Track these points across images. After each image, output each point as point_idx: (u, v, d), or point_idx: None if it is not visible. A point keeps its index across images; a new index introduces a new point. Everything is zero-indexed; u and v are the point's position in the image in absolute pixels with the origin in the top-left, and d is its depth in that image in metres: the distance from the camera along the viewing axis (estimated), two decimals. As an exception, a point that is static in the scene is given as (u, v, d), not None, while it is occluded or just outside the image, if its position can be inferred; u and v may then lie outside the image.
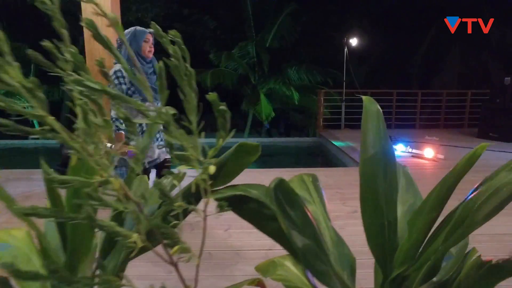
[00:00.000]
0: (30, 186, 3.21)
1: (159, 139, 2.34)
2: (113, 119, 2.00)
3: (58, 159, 3.38)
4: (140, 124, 1.92)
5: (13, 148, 7.14)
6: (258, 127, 11.10)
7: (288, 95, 8.52)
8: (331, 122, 6.54)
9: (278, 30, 8.98)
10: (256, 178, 2.51)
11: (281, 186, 0.48)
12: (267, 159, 6.10)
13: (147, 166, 2.19)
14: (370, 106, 0.61)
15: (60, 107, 9.45)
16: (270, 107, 8.71)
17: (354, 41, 6.44)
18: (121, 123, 1.69)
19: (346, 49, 6.21)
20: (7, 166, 3.86)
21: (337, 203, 2.57)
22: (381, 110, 0.62)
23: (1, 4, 8.39)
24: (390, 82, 8.83)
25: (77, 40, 6.40)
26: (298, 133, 10.90)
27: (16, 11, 8.66)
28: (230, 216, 0.55)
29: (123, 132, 2.03)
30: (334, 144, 4.81)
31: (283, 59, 8.99)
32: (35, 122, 10.27)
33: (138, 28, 2.12)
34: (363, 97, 0.63)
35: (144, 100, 1.92)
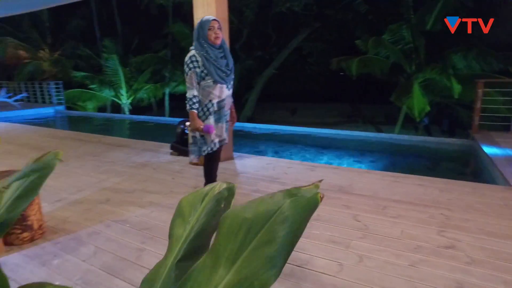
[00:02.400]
0: (152, 156, 4.54)
1: (226, 119, 2.70)
2: (187, 99, 2.47)
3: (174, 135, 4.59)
4: (212, 104, 2.52)
5: (142, 121, 10.98)
6: (415, 123, 11.08)
7: (450, 87, 8.28)
8: (497, 121, 6.15)
9: (442, 9, 8.69)
10: (368, 180, 3.46)
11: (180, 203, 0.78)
12: (399, 160, 6.56)
13: (217, 146, 2.62)
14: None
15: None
16: (425, 100, 8.72)
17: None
18: (194, 103, 2.45)
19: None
20: (141, 137, 5.91)
21: (430, 229, 2.33)
22: None
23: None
24: None
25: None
26: (465, 132, 10.16)
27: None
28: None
29: (195, 111, 2.46)
30: (483, 150, 4.77)
31: (446, 43, 8.69)
32: (125, 107, 14.33)
33: (204, 17, 2.50)
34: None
35: (216, 82, 2.48)
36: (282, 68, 15.99)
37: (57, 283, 1.85)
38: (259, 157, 4.50)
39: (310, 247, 2.16)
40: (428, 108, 8.61)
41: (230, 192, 0.90)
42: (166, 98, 15.74)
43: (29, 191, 1.04)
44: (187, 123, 2.62)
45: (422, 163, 6.10)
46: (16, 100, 13.11)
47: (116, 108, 15.68)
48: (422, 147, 6.55)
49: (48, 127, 7.72)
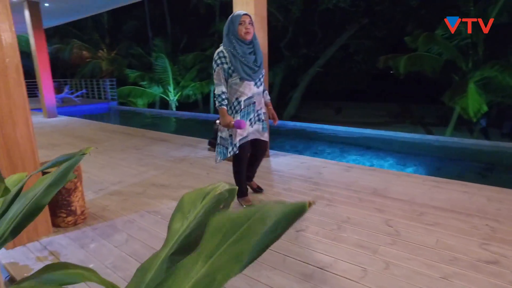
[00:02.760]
0: (191, 152, 4.67)
1: (254, 118, 2.59)
2: (216, 96, 2.43)
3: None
4: (238, 102, 2.47)
5: (187, 118, 11.22)
6: (471, 124, 10.26)
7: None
8: None
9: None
10: (407, 184, 3.29)
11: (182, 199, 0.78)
12: (446, 164, 6.09)
13: (237, 145, 2.53)
14: None
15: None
16: (481, 100, 8.02)
17: None
18: (223, 99, 2.40)
19: None
20: (185, 132, 6.09)
21: (471, 241, 2.13)
22: None
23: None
24: None
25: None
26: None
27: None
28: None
29: (224, 107, 2.41)
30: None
31: (511, 37, 7.88)
32: (172, 103, 14.53)
33: (235, 12, 2.44)
34: None
35: (242, 79, 2.42)
36: (327, 66, 15.64)
37: (91, 265, 1.99)
38: (294, 155, 4.45)
39: (335, 250, 2.10)
40: (485, 109, 7.92)
41: (231, 194, 0.90)
42: (211, 95, 16.19)
43: (59, 180, 1.13)
44: (217, 121, 2.58)
45: (472, 169, 5.62)
46: (76, 96, 14.31)
47: (165, 104, 16.44)
48: (475, 151, 6.04)
49: (100, 121, 8.31)
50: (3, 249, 2.23)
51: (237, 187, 0.92)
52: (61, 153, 4.16)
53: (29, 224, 2.30)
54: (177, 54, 16.21)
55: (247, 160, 2.71)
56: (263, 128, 2.67)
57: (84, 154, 1.15)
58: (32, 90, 13.72)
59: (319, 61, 15.01)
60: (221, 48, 2.45)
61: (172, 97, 15.60)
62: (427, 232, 2.31)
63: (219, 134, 2.64)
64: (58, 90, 14.38)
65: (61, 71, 21.59)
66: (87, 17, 14.72)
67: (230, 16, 2.47)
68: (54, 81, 15.51)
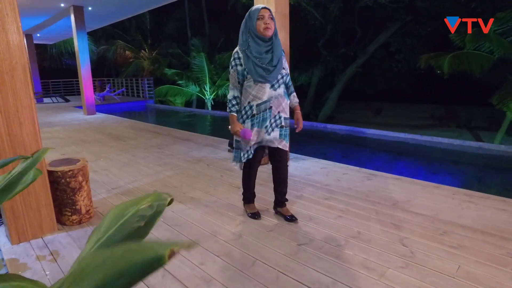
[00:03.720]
0: (211, 152, 4.64)
1: (271, 124, 2.33)
2: (228, 101, 2.28)
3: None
4: (250, 106, 2.26)
5: (220, 116, 10.97)
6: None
7: None
8: None
9: None
10: (433, 196, 2.98)
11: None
12: (487, 176, 5.49)
13: (252, 151, 2.36)
14: None
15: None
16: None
17: None
18: (233, 105, 2.25)
19: None
20: (214, 132, 5.99)
21: (502, 271, 1.88)
22: None
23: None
24: None
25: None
26: None
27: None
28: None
29: (234, 114, 2.26)
30: None
31: None
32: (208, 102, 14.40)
33: (253, 7, 2.23)
34: None
35: (256, 81, 2.21)
36: (367, 66, 14.99)
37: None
38: (315, 159, 4.23)
39: (336, 270, 1.90)
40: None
41: (157, 209, 0.78)
42: (246, 94, 16.20)
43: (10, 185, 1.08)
44: (230, 127, 2.42)
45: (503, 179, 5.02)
46: (117, 94, 15.04)
47: (201, 103, 16.75)
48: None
49: (133, 120, 8.60)
50: (8, 243, 2.30)
51: (168, 199, 0.79)
52: (89, 150, 4.29)
53: (35, 221, 2.33)
54: (214, 53, 16.43)
55: (258, 165, 2.56)
56: (281, 135, 2.35)
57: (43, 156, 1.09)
58: (78, 89, 14.63)
59: (358, 61, 14.43)
60: (236, 48, 2.28)
61: (208, 96, 15.83)
62: (448, 256, 2.02)
63: (235, 137, 2.46)
64: (101, 88, 15.21)
65: (107, 70, 22.87)
66: (130, 18, 15.45)
67: (248, 12, 2.25)
68: (98, 80, 16.49)
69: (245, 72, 2.24)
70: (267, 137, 2.32)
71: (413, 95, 15.38)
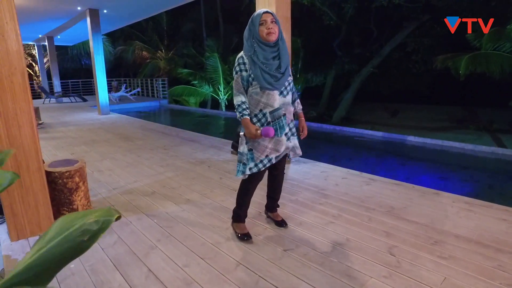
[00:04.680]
0: (214, 154, 4.70)
1: (289, 131, 2.26)
2: (236, 107, 2.17)
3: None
4: (264, 114, 2.17)
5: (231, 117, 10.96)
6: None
7: None
8: None
9: None
10: (431, 203, 2.94)
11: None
12: (499, 183, 5.29)
13: (267, 164, 2.21)
14: None
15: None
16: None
17: None
18: (244, 109, 2.12)
19: None
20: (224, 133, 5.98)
21: (490, 285, 1.85)
22: None
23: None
24: None
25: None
26: None
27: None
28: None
29: (247, 117, 2.13)
30: None
31: None
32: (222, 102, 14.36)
33: (255, 12, 2.15)
34: None
35: (262, 88, 2.13)
36: (383, 66, 14.73)
37: (72, 265, 2.06)
38: (316, 163, 4.22)
39: (317, 277, 1.90)
40: None
41: (102, 225, 0.81)
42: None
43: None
44: (241, 133, 2.23)
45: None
46: (132, 94, 15.38)
47: (216, 103, 16.90)
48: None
49: (143, 119, 8.78)
50: (8, 240, 2.42)
51: (115, 216, 0.82)
52: (97, 150, 4.44)
53: (33, 219, 2.43)
54: (228, 54, 16.54)
55: (261, 180, 2.34)
56: (294, 142, 2.31)
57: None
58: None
59: (374, 61, 14.20)
60: (241, 53, 2.18)
61: (222, 96, 15.96)
62: (435, 267, 1.98)
63: (240, 148, 2.29)
64: (116, 89, 15.59)
65: (125, 71, 23.42)
66: (147, 19, 15.76)
67: (250, 17, 2.18)
68: (115, 80, 16.90)
69: (251, 78, 2.16)
70: (290, 144, 2.27)
71: (431, 96, 15.00)
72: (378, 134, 7.78)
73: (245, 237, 2.32)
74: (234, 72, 2.21)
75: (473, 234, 2.37)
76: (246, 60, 2.14)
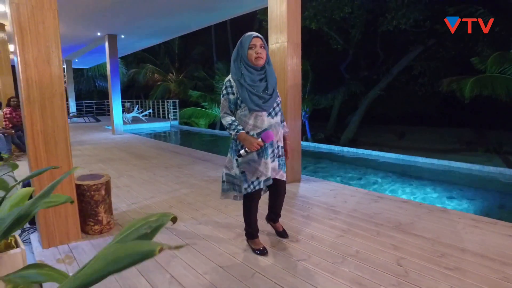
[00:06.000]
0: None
1: (275, 153, 2.33)
2: (227, 127, 2.23)
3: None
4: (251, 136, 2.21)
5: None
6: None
7: None
8: None
9: None
10: (438, 220, 3.07)
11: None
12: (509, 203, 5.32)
13: (261, 185, 2.28)
14: None
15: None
16: None
17: None
18: (236, 126, 2.17)
19: None
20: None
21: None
22: None
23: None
24: None
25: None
26: None
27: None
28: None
29: (242, 131, 2.18)
30: None
31: None
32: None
33: (246, 34, 2.19)
34: None
35: (251, 110, 2.18)
36: (390, 89, 15.02)
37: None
38: (325, 182, 4.38)
39: (329, 284, 2.03)
40: None
41: (161, 222, 1.01)
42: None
43: (44, 195, 1.36)
44: (241, 151, 2.21)
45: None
46: (144, 115, 15.83)
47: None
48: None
49: (155, 139, 9.08)
50: (39, 247, 2.61)
51: (171, 216, 1.00)
52: (114, 167, 4.68)
53: (63, 229, 2.63)
54: (237, 77, 17.04)
55: (260, 197, 2.43)
56: (280, 165, 2.39)
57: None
58: (108, 109, 15.51)
59: (381, 84, 14.51)
60: (228, 77, 2.24)
61: (231, 118, 16.32)
62: (442, 277, 2.10)
63: (225, 171, 2.40)
64: (129, 110, 16.09)
65: (137, 92, 24.13)
66: (160, 43, 16.45)
67: (240, 39, 2.23)
68: (127, 101, 17.44)
69: (238, 101, 2.20)
70: (275, 165, 2.35)
71: (439, 118, 15.14)
72: (390, 155, 7.93)
73: (263, 252, 2.40)
74: (221, 95, 2.26)
75: (479, 248, 2.48)
76: (233, 83, 2.19)
